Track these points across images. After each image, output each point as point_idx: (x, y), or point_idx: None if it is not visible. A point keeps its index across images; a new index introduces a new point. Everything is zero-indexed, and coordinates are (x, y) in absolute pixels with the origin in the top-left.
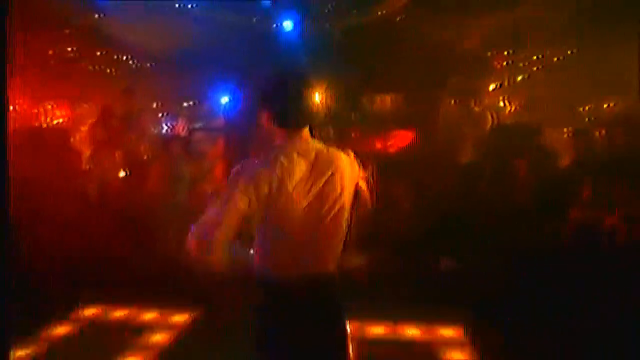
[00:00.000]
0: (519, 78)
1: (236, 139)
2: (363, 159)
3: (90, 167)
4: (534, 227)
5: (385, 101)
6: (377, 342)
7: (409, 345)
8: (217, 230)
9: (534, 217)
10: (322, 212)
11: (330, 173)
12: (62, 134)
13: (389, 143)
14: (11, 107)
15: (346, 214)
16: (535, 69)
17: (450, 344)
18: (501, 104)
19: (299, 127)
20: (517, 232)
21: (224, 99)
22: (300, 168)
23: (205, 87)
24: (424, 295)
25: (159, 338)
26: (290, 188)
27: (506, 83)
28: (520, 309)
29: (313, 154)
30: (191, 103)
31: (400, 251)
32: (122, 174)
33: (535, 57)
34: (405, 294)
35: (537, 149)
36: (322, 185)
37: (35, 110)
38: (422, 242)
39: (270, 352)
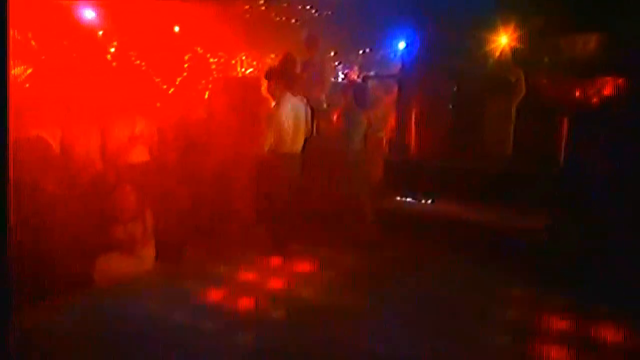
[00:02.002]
0: None
1: (410, 85)
2: None
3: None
4: None
5: (588, 43)
6: None
7: None
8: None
9: None
10: (296, 125)
11: (302, 109)
12: (253, 83)
13: (590, 92)
14: (215, 59)
15: (307, 126)
16: None
17: None
18: None
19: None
20: None
21: (399, 46)
22: (290, 106)
23: (380, 34)
24: None
25: None
26: (284, 116)
27: None
28: None
29: (295, 101)
30: (367, 50)
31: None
32: None
33: None
34: None
35: None
36: (297, 112)
37: (233, 61)
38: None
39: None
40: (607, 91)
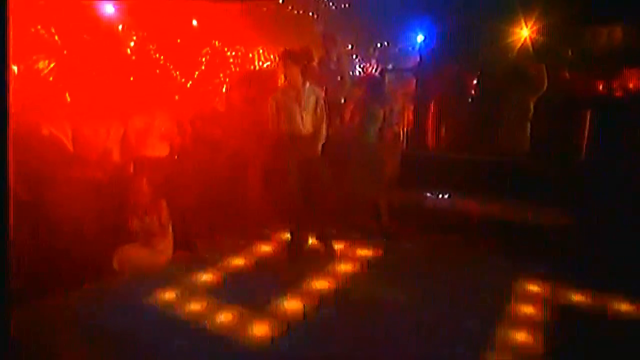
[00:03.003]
0: None
1: (428, 79)
2: None
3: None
4: None
5: (614, 34)
6: None
7: None
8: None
9: None
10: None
11: (313, 98)
12: (271, 76)
13: (614, 85)
14: (232, 52)
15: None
16: None
17: None
18: None
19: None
20: None
21: (417, 39)
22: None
23: (397, 27)
24: None
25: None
26: (291, 103)
27: None
28: None
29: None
30: (384, 43)
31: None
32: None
33: None
34: None
35: None
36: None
37: (251, 55)
38: None
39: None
40: (632, 85)
